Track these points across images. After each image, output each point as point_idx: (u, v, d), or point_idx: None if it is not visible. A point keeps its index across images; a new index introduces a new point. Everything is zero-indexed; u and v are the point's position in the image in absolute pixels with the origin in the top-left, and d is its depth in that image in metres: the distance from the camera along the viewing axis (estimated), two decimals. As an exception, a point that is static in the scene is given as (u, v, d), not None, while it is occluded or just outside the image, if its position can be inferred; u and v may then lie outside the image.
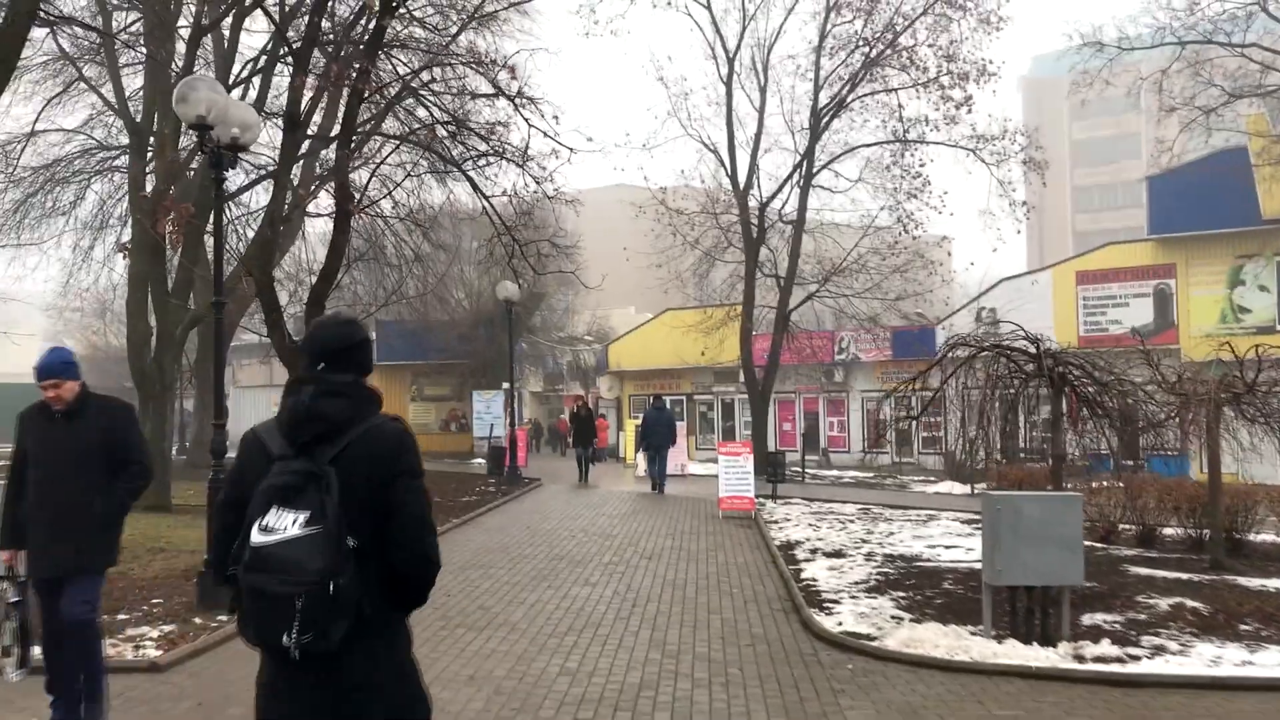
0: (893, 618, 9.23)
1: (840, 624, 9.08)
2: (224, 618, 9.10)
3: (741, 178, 29.02)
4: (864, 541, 14.45)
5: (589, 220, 43.88)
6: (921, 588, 10.74)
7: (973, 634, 8.43)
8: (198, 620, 9.08)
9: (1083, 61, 26.75)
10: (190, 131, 9.61)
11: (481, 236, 18.98)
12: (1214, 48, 25.74)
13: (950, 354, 10.54)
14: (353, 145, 22.02)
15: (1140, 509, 13.63)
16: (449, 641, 8.58)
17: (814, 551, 13.53)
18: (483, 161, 17.75)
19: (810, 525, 16.47)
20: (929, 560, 12.73)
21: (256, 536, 2.82)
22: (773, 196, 29.14)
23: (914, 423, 29.94)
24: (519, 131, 29.57)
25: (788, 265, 28.79)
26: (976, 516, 18.01)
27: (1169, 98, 25.99)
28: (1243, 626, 8.80)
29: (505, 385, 36.19)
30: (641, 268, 33.15)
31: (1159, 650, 8.01)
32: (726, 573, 12.14)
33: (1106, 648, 7.98)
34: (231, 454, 5.70)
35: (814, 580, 11.34)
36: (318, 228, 30.35)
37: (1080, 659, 7.80)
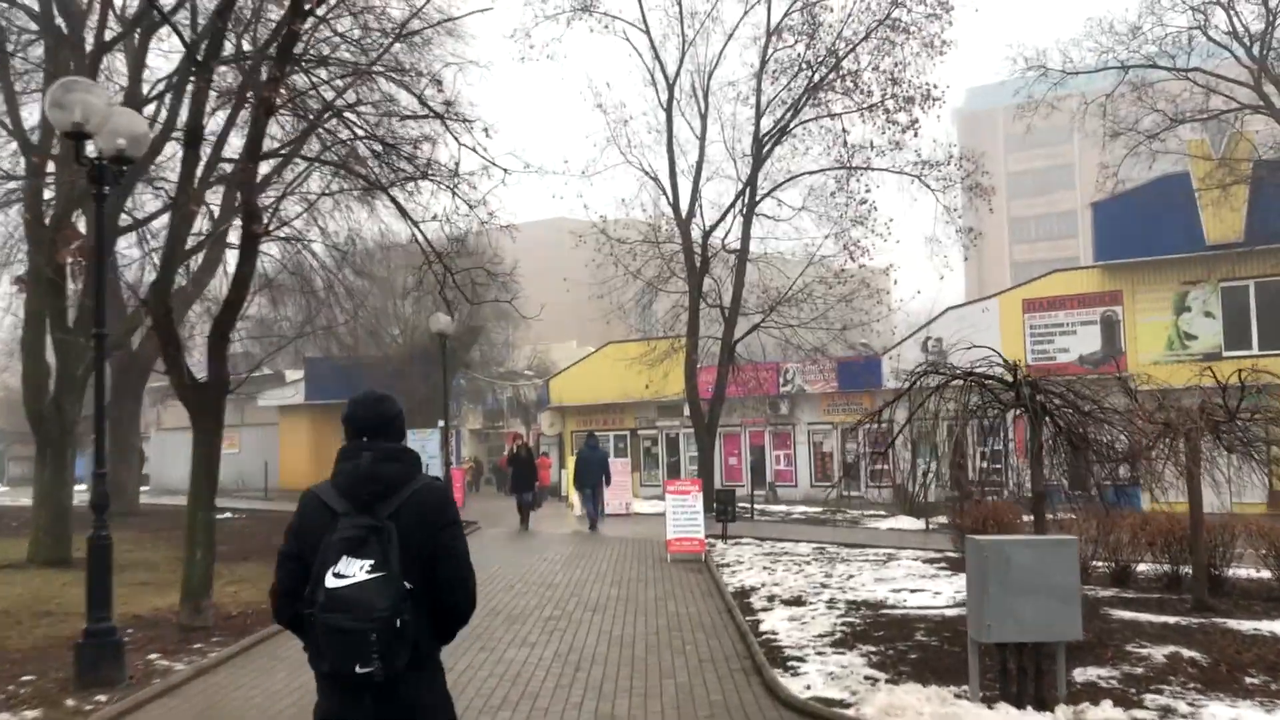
0: (866, 678, 8.25)
1: (809, 687, 8.09)
2: (103, 698, 7.89)
3: (684, 206, 28.27)
4: (823, 586, 13.49)
5: (528, 252, 42.83)
6: (892, 640, 9.79)
7: (958, 697, 7.49)
8: (70, 703, 7.82)
9: (1027, 86, 26.48)
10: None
11: (414, 266, 17.87)
12: (1157, 72, 25.61)
13: (920, 382, 9.65)
14: (271, 168, 21.02)
15: (1114, 545, 12.86)
16: None
17: (771, 599, 12.54)
18: (410, 185, 16.68)
19: (765, 568, 15.49)
20: (895, 607, 11.80)
21: (331, 581, 3.31)
22: (715, 225, 28.40)
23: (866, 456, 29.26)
24: (449, 150, 28.58)
25: (732, 295, 28.03)
26: (937, 555, 17.25)
27: (1112, 122, 25.78)
28: (1249, 680, 7.96)
29: (440, 423, 34.94)
30: (583, 299, 32.23)
31: (1167, 712, 7.12)
32: (679, 626, 11.10)
33: (1110, 711, 7.07)
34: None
35: (774, 634, 10.35)
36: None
37: (1082, 726, 6.89)
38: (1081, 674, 8.03)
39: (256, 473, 36.72)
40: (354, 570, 3.31)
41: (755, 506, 27.68)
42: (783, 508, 31.23)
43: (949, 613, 11.13)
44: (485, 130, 13.27)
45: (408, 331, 36.54)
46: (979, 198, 26.37)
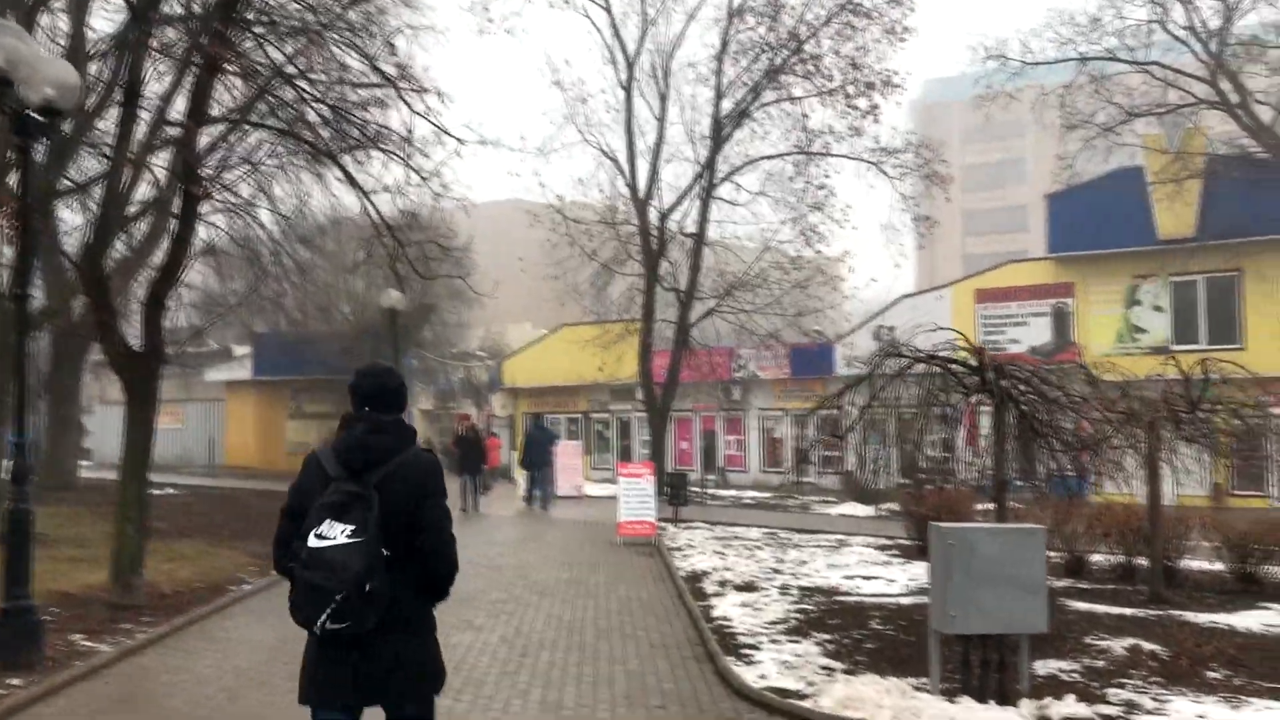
0: (823, 668, 8.01)
1: (763, 676, 7.83)
2: (17, 682, 7.43)
3: (641, 188, 27.90)
4: (776, 571, 13.27)
5: (484, 233, 42.32)
6: (847, 628, 9.57)
7: (918, 689, 7.27)
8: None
9: (986, 77, 26.44)
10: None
11: (363, 239, 17.33)
12: (1116, 65, 25.66)
13: (880, 366, 9.42)
14: (219, 134, 20.32)
15: (1069, 536, 12.76)
16: (292, 711, 7.07)
17: (723, 584, 12.29)
18: (361, 154, 16.21)
19: (716, 553, 15.25)
20: (849, 594, 11.60)
21: (313, 541, 3.59)
22: (673, 207, 28.08)
23: (818, 443, 29.21)
24: (400, 117, 28.00)
25: (688, 278, 27.75)
26: (889, 542, 17.12)
27: (1070, 114, 25.83)
28: (1210, 674, 7.83)
29: (391, 402, 34.43)
30: (539, 282, 31.80)
31: (1132, 708, 6.95)
32: (629, 611, 10.81)
33: (1073, 706, 6.88)
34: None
35: (727, 620, 10.09)
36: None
37: (1046, 720, 6.70)
38: (1042, 666, 7.85)
39: (202, 449, 35.96)
40: (335, 533, 3.59)
41: (706, 491, 27.48)
42: (733, 492, 31.09)
43: (904, 601, 10.95)
44: (439, 95, 12.84)
45: (358, 308, 35.83)
46: (936, 185, 26.33)
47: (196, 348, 47.16)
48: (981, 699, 6.95)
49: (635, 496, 16.85)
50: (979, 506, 15.91)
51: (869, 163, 26.65)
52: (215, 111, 16.84)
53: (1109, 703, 7.05)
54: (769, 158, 27.41)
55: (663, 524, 18.19)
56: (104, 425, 40.52)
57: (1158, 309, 29.47)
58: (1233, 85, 24.58)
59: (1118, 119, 25.44)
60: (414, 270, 15.51)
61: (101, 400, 44.24)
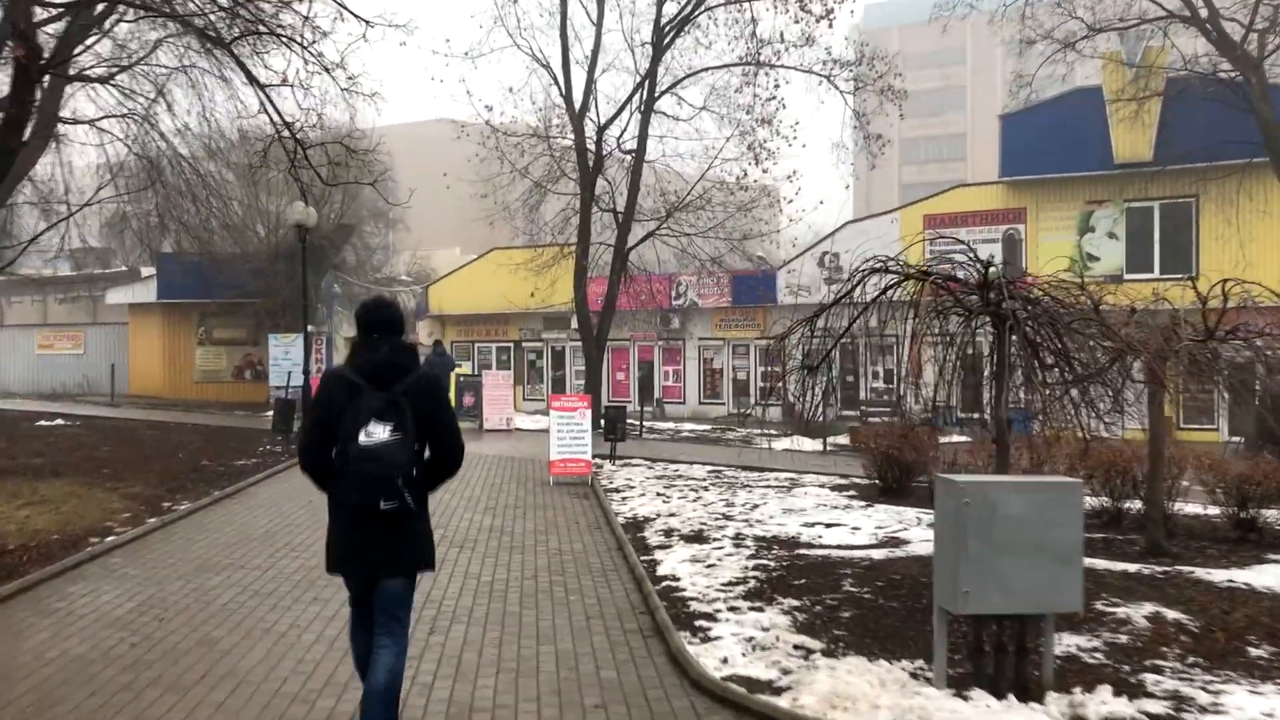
0: (797, 648, 6.58)
1: (725, 661, 6.39)
2: None
3: (577, 99, 25.92)
4: (726, 518, 11.85)
5: (408, 152, 39.96)
6: (817, 591, 8.17)
7: (916, 677, 5.91)
8: None
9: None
10: None
11: (261, 139, 15.29)
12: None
13: (861, 284, 7.93)
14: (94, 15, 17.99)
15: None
16: (134, 704, 5.46)
17: (669, 533, 10.86)
18: (260, 45, 14.23)
19: (659, 495, 13.82)
20: (811, 545, 10.23)
21: (363, 439, 4.59)
22: (611, 120, 26.18)
23: (777, 372, 27.89)
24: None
25: (627, 198, 26.00)
26: (844, 482, 15.83)
27: (1031, 27, 24.38)
28: (1253, 650, 6.57)
29: (309, 328, 32.31)
30: (467, 201, 29.77)
31: (1181, 703, 5.63)
32: (561, 569, 9.32)
33: (1111, 701, 5.54)
34: None
35: (675, 580, 8.64)
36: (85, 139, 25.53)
37: (1082, 723, 5.35)
38: (1057, 643, 6.52)
39: (104, 377, 33.56)
40: (379, 431, 4.58)
41: (644, 425, 26.05)
42: (671, 425, 29.76)
43: (875, 555, 9.61)
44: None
45: (272, 228, 33.49)
46: (890, 101, 24.80)
47: (104, 268, 44.34)
48: (998, 693, 5.59)
49: (569, 432, 15.33)
50: (943, 440, 14.68)
51: (820, 75, 25.04)
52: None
53: (1151, 694, 5.73)
54: (715, 69, 25.65)
55: (599, 461, 16.73)
56: (5, 349, 37.87)
57: (1112, 236, 28.47)
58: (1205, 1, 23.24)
59: (1080, 34, 24.04)
60: (318, 177, 13.62)
61: (1, 325, 41.45)
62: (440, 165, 33.72)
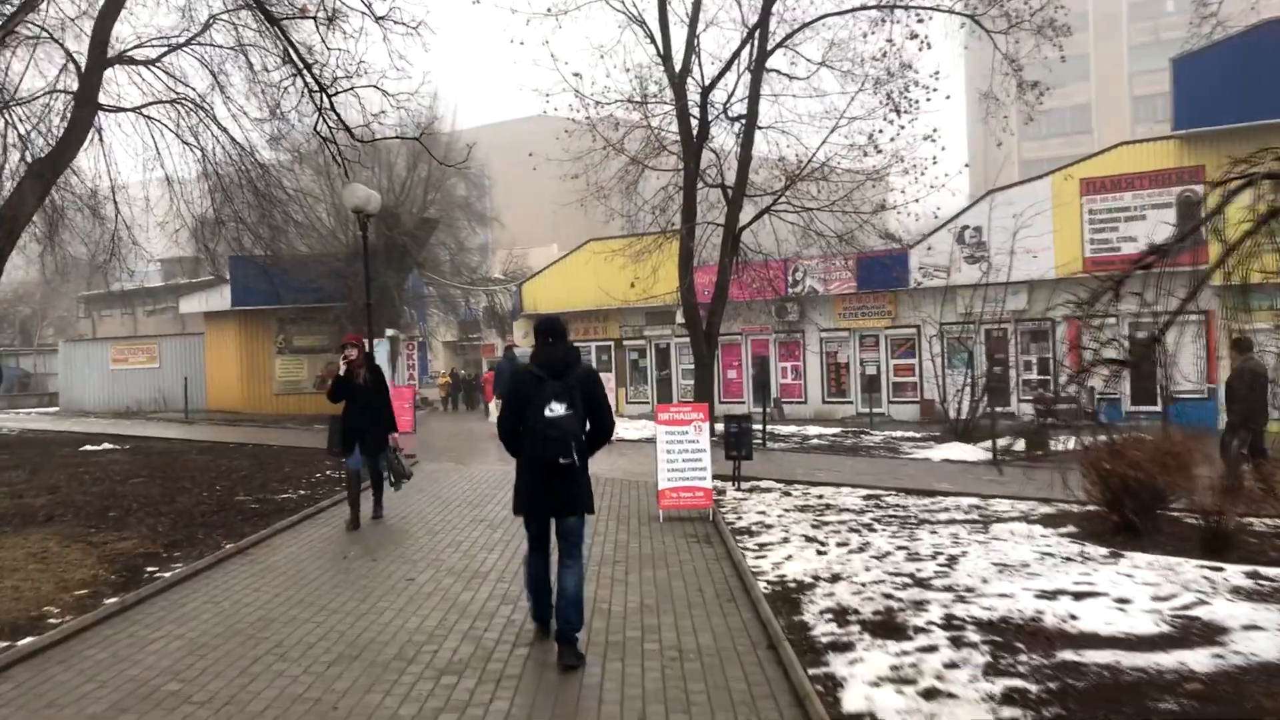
0: None
1: None
2: None
3: (677, 59, 22.56)
4: (919, 584, 8.19)
5: (503, 155, 36.86)
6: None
7: None
8: None
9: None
10: None
11: (272, 85, 12.18)
12: None
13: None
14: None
15: None
16: None
17: (841, 615, 7.31)
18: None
19: (807, 538, 10.28)
20: (1074, 640, 6.56)
21: (548, 413, 6.31)
22: (716, 81, 22.71)
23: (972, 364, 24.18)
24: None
25: (737, 171, 22.52)
26: (1050, 510, 11.78)
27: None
28: None
29: (390, 332, 29.60)
30: (561, 194, 26.47)
31: None
32: (683, 697, 5.86)
33: None
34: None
35: (880, 728, 5.13)
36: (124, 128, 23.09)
37: None
38: None
39: (180, 391, 31.37)
40: (558, 409, 6.33)
41: (766, 431, 22.49)
42: (793, 429, 26.13)
43: (1190, 661, 5.92)
44: None
45: (345, 225, 30.85)
46: (1049, 41, 20.85)
47: (190, 278, 42.48)
48: None
49: (681, 452, 11.91)
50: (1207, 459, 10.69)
51: (964, 15, 21.15)
52: None
53: None
54: (836, 14, 21.94)
55: (719, 485, 13.29)
56: (70, 365, 36.00)
57: (1316, 193, 23.89)
58: None
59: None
60: (347, 131, 10.43)
61: (66, 338, 39.84)
62: (535, 163, 30.75)
